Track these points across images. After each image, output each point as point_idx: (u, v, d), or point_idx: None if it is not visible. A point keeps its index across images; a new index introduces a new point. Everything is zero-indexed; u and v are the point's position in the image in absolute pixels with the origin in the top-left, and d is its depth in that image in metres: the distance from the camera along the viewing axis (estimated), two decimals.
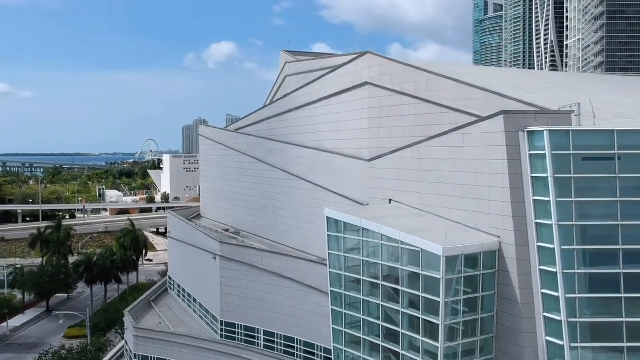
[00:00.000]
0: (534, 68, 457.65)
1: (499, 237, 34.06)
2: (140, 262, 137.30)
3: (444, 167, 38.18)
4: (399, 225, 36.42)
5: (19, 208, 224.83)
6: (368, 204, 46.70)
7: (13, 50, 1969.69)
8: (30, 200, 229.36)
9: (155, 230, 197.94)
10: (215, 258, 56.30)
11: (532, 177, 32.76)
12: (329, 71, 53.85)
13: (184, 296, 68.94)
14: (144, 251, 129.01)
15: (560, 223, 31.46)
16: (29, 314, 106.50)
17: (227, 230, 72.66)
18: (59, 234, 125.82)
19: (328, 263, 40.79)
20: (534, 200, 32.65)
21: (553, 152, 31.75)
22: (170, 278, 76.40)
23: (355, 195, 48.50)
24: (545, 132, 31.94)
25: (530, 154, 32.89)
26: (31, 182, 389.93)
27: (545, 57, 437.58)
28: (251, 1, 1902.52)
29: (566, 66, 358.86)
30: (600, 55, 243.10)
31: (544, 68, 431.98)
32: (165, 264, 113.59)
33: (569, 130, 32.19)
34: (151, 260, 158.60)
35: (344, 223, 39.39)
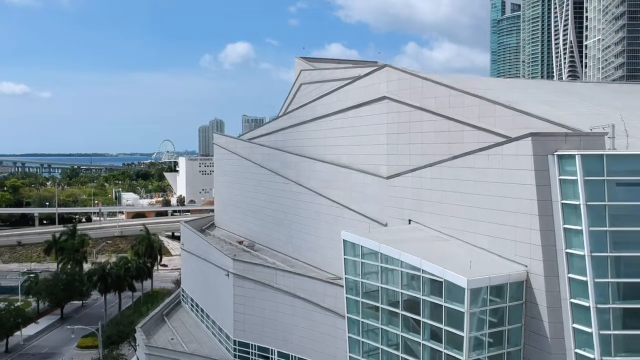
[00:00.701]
0: (552, 68, 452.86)
1: (526, 266, 32.10)
2: (154, 268, 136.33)
3: (467, 189, 36.29)
4: (420, 251, 34.59)
5: (35, 211, 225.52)
6: (386, 224, 44.97)
7: (32, 52, 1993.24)
8: (47, 203, 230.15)
9: (170, 234, 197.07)
10: (228, 275, 54.82)
11: (562, 203, 30.77)
12: (345, 83, 52.09)
13: (197, 310, 67.60)
14: (158, 257, 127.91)
15: (593, 254, 29.46)
16: (43, 322, 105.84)
17: (241, 242, 71.28)
18: (74, 241, 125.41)
19: (345, 288, 39.08)
20: (565, 228, 30.67)
21: (585, 178, 29.77)
22: (183, 290, 75.16)
23: (373, 213, 46.73)
24: (577, 157, 29.97)
25: (560, 179, 30.91)
26: (48, 183, 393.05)
27: (564, 58, 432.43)
28: (266, 2, 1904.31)
29: (585, 67, 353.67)
30: (621, 56, 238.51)
31: (563, 69, 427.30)
32: (180, 269, 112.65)
33: (602, 154, 30.14)
34: (166, 266, 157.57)
35: (362, 247, 37.63)
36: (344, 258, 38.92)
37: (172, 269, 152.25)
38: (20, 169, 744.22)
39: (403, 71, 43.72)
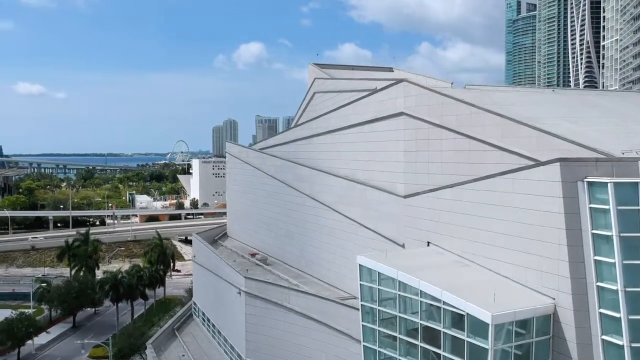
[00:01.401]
0: (568, 69, 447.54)
1: (553, 299, 30.26)
2: (167, 274, 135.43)
3: (489, 214, 34.51)
4: (440, 280, 32.89)
5: (50, 214, 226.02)
6: (403, 244, 43.30)
7: (48, 52, 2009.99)
8: (62, 206, 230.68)
9: (183, 238, 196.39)
10: (240, 293, 53.42)
11: (593, 233, 28.92)
12: (361, 96, 50.46)
13: (208, 325, 66.32)
14: (171, 265, 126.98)
15: (627, 289, 27.60)
16: (56, 330, 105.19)
17: (253, 254, 69.96)
18: (87, 247, 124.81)
19: (360, 315, 37.43)
20: (595, 260, 28.82)
21: (618, 207, 27.91)
22: (194, 304, 73.93)
23: (389, 232, 45.07)
24: (609, 184, 28.11)
25: (590, 208, 29.06)
26: (63, 185, 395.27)
27: (581, 59, 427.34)
28: (279, 2, 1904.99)
29: (602, 68, 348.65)
30: (639, 57, 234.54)
31: (580, 69, 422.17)
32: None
33: (637, 182, 28.25)
34: (179, 271, 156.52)
35: (379, 273, 35.97)
36: (360, 284, 37.28)
37: (185, 275, 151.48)
38: (35, 169, 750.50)
39: (421, 87, 41.97)
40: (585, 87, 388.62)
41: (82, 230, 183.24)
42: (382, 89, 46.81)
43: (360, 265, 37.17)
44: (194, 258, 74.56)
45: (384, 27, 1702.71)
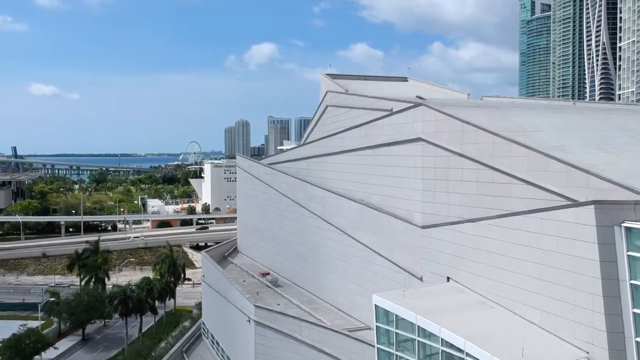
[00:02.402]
0: (584, 70, 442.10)
1: (587, 353, 27.86)
2: (179, 282, 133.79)
3: (516, 254, 32.15)
4: (463, 326, 30.57)
5: (61, 219, 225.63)
6: (421, 277, 41.02)
7: (61, 54, 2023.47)
8: (74, 211, 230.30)
9: (194, 244, 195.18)
10: (249, 321, 51.38)
11: (631, 284, 26.52)
12: (375, 118, 48.20)
13: (217, 349, 64.36)
14: (182, 276, 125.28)
15: None
16: (65, 344, 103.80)
17: (264, 274, 67.95)
18: (96, 257, 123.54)
19: (377, 358, 35.19)
20: (635, 313, 26.41)
21: None
22: (203, 324, 72.04)
23: (406, 263, 42.80)
24: None
25: (629, 256, 26.65)
26: (76, 187, 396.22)
27: (597, 60, 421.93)
28: (291, 2, 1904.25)
29: (619, 69, 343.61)
30: None
31: (595, 71, 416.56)
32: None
33: None
34: (190, 280, 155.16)
35: (396, 315, 33.72)
36: (376, 325, 35.05)
37: (196, 284, 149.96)
38: (49, 170, 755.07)
39: (440, 112, 39.59)
40: (601, 88, 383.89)
41: (93, 238, 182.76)
42: (398, 111, 44.51)
43: (376, 305, 34.95)
44: (203, 278, 72.65)
45: (395, 27, 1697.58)
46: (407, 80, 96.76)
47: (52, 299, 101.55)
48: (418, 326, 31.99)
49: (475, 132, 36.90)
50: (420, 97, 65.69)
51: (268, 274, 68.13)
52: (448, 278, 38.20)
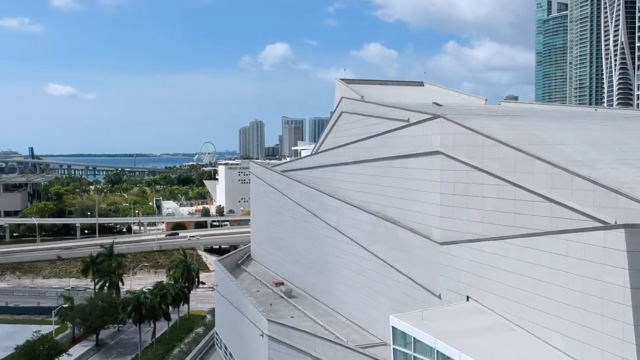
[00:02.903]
0: (601, 70, 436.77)
1: None
2: (192, 290, 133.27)
3: (539, 275, 30.84)
4: (484, 352, 29.33)
5: (77, 222, 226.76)
6: (439, 295, 39.77)
7: (77, 54, 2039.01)
8: (89, 213, 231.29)
9: (209, 247, 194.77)
10: (262, 336, 50.40)
11: None
12: (391, 129, 47.00)
13: None
14: (196, 281, 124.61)
15: None
16: (78, 350, 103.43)
17: (278, 284, 67.00)
18: (110, 262, 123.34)
19: None
20: None
21: None
22: (217, 334, 71.24)
23: (424, 280, 41.55)
24: None
25: None
26: (92, 188, 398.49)
27: (615, 60, 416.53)
28: (304, 2, 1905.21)
29: (638, 69, 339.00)
30: None
31: (613, 71, 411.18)
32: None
33: None
34: (204, 283, 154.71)
35: (414, 338, 32.52)
36: (393, 348, 33.89)
37: (210, 287, 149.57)
38: (66, 171, 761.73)
39: (460, 125, 38.27)
40: (619, 89, 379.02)
41: (108, 240, 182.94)
42: (415, 123, 43.26)
43: (393, 327, 33.77)
44: (216, 287, 71.85)
45: (409, 26, 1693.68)
46: (423, 85, 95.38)
47: (66, 305, 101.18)
48: (437, 350, 30.77)
49: (496, 147, 35.59)
50: (436, 104, 64.45)
51: (282, 283, 67.18)
52: (468, 297, 36.94)
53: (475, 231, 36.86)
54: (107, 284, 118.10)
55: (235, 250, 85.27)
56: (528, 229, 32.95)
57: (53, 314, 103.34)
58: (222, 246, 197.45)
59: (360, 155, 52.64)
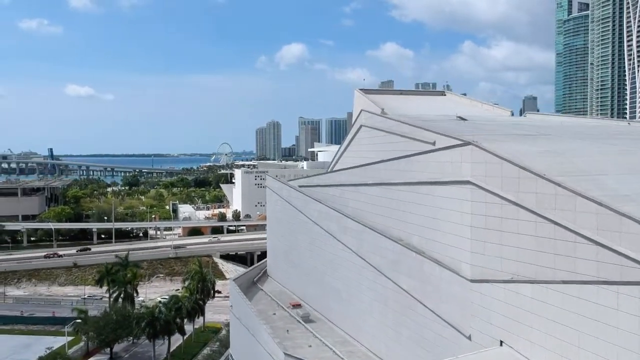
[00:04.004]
0: (623, 71, 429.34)
1: None
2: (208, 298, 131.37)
3: (583, 327, 27.87)
4: None
5: (93, 226, 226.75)
6: (470, 336, 36.85)
7: (96, 55, 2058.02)
8: (106, 218, 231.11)
9: (225, 254, 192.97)
10: None
11: None
12: (416, 152, 44.14)
13: None
14: (212, 292, 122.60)
15: None
16: None
17: (295, 305, 64.40)
18: (125, 272, 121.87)
19: None
20: None
21: None
22: (231, 357, 68.86)
23: (453, 318, 38.64)
24: None
25: None
26: (109, 190, 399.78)
27: (638, 61, 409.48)
28: (320, 2, 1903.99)
29: None
30: None
31: (636, 72, 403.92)
32: None
33: None
34: (220, 292, 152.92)
35: None
36: None
37: (226, 297, 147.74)
38: (84, 172, 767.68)
39: (492, 154, 35.29)
40: None
41: (124, 247, 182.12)
42: (444, 148, 40.36)
43: None
44: (231, 308, 69.40)
45: (425, 26, 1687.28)
46: (445, 94, 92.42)
47: (79, 320, 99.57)
48: None
49: (533, 180, 32.59)
50: (461, 118, 61.44)
51: (299, 305, 64.55)
52: (501, 342, 34.00)
53: (510, 270, 33.92)
54: (121, 295, 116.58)
55: (251, 268, 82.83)
56: (570, 272, 29.97)
57: (66, 330, 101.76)
58: (239, 252, 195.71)
59: (384, 177, 49.83)
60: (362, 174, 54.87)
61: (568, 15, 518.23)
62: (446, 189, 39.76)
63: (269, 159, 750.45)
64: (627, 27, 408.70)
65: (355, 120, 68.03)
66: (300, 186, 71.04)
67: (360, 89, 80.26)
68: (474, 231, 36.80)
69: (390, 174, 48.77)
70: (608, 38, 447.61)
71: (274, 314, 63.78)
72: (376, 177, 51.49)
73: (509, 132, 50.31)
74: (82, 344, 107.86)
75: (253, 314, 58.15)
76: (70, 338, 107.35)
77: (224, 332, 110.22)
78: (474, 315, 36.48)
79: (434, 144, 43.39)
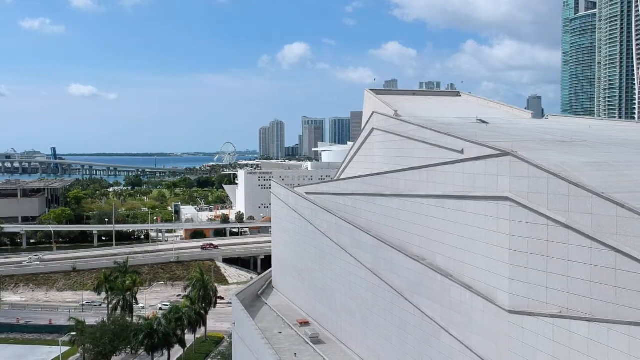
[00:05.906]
0: (632, 70, 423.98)
1: None
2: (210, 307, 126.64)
3: None
4: None
5: (94, 229, 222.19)
6: None
7: (99, 55, 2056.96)
8: (106, 220, 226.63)
9: (227, 258, 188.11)
10: None
11: None
12: (442, 162, 39.33)
13: None
14: (213, 300, 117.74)
15: None
16: None
17: (303, 323, 59.73)
18: (124, 279, 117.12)
19: None
20: None
21: None
22: None
23: (486, 352, 33.81)
24: None
25: None
26: (111, 190, 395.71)
27: None
28: (322, 2, 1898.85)
29: None
30: None
31: None
32: None
33: None
34: (222, 298, 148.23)
35: None
36: None
37: (229, 303, 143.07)
38: (87, 171, 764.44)
39: (537, 167, 30.42)
40: None
41: (125, 251, 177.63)
42: (475, 158, 35.51)
43: None
44: (234, 326, 64.70)
45: (427, 25, 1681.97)
46: (460, 95, 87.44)
47: (74, 332, 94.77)
48: None
49: (587, 199, 27.76)
50: (482, 121, 56.59)
51: (307, 323, 59.91)
52: None
53: (559, 303, 29.11)
54: (120, 304, 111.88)
55: (254, 280, 78.09)
56: (636, 309, 25.20)
57: (60, 341, 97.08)
58: (242, 257, 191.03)
59: (402, 188, 45.03)
60: (376, 183, 50.09)
61: (575, 14, 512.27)
62: (479, 205, 34.90)
63: (272, 159, 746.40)
64: (636, 25, 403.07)
65: (367, 123, 63.27)
66: (307, 193, 66.30)
67: (371, 89, 75.43)
68: (513, 255, 31.93)
69: (409, 185, 43.96)
70: (616, 36, 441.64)
71: (280, 332, 59.08)
72: (393, 188, 46.68)
73: (541, 138, 45.41)
74: (78, 355, 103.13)
75: (258, 336, 53.37)
76: (65, 349, 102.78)
77: (226, 343, 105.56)
78: (512, 352, 31.64)
79: (461, 152, 38.60)
